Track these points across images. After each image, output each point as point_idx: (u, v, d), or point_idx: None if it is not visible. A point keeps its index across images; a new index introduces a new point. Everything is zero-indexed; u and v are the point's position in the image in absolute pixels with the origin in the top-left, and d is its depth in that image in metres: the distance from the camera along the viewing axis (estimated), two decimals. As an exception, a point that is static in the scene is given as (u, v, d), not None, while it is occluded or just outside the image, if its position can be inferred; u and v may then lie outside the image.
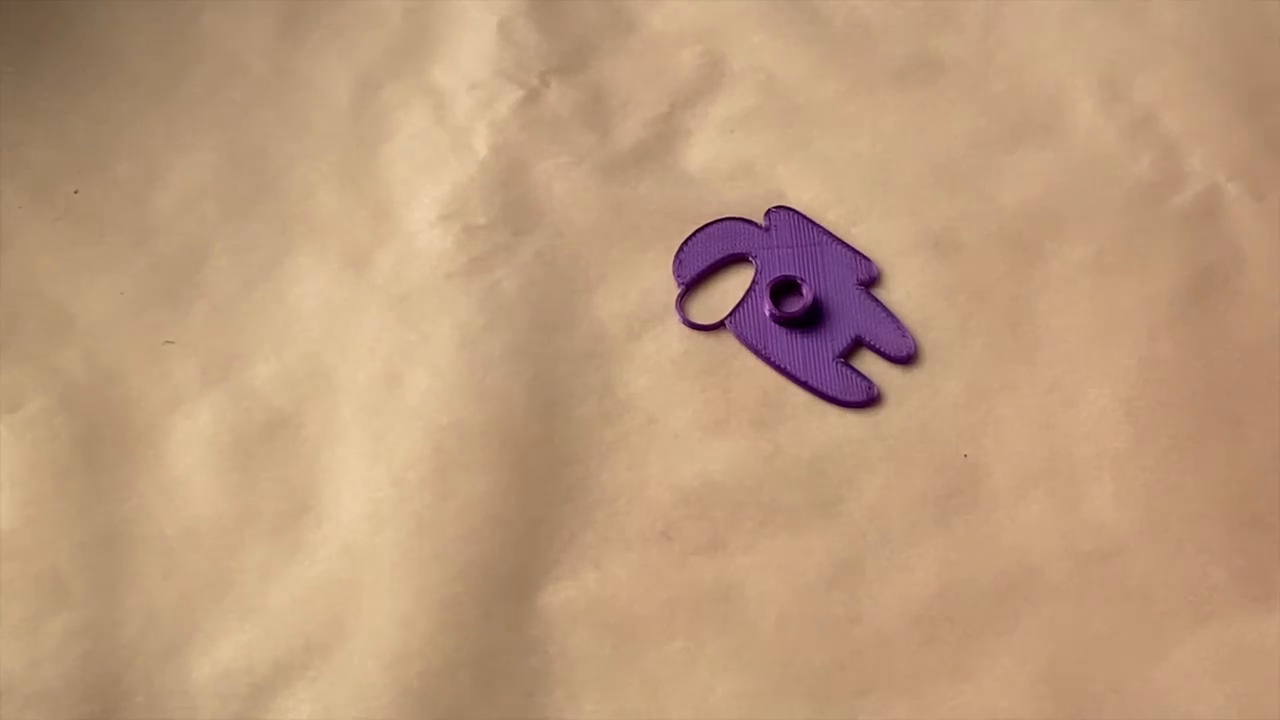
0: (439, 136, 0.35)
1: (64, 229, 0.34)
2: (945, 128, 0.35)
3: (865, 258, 0.31)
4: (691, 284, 0.31)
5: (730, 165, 0.35)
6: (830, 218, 0.34)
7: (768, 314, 0.31)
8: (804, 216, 0.32)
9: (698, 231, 0.32)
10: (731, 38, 0.37)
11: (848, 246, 0.31)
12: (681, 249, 0.31)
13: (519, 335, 0.32)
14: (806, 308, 0.31)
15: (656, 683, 0.29)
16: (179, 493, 0.31)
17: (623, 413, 0.32)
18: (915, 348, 0.31)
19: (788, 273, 0.31)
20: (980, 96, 0.36)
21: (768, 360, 0.30)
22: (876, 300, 0.31)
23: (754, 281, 0.31)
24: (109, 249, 0.34)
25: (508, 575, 0.30)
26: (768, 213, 0.32)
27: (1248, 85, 0.35)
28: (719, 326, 0.31)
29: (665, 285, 0.33)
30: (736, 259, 0.32)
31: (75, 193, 0.35)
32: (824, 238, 0.32)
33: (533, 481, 0.31)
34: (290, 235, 0.34)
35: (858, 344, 0.31)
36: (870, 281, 0.31)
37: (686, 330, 0.32)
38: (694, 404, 0.32)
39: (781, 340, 0.30)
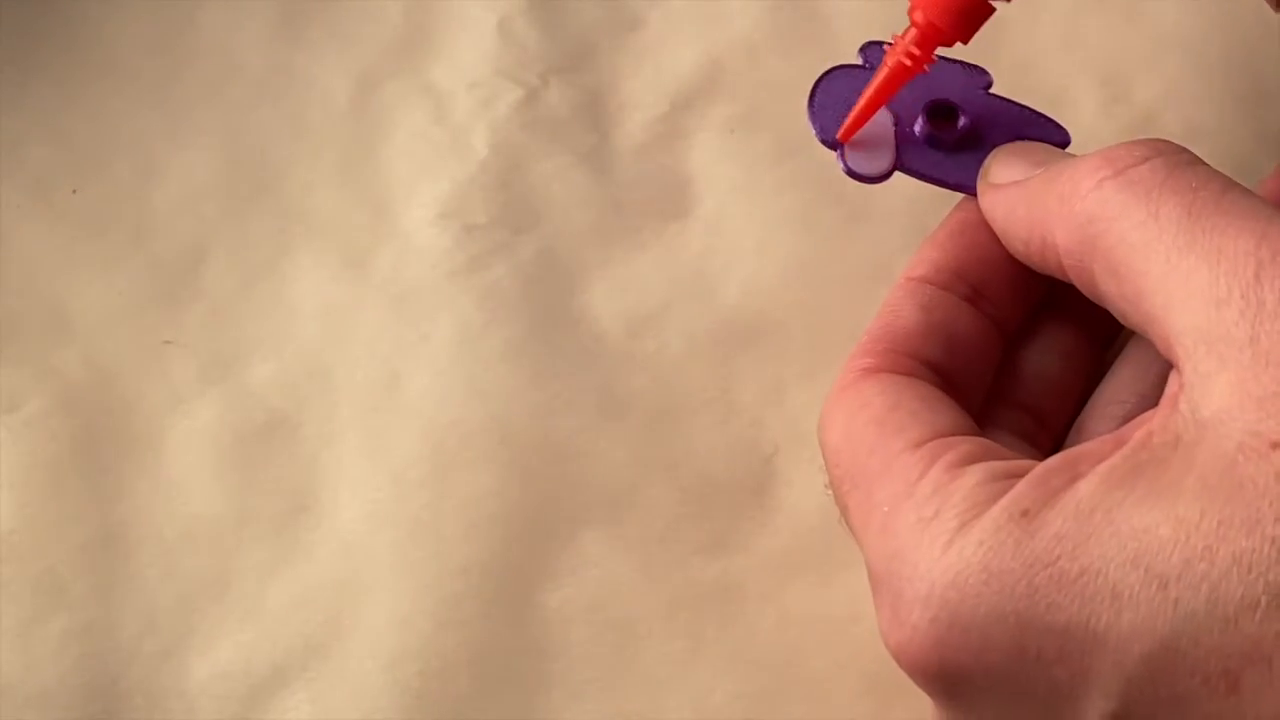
0: (438, 135, 0.35)
1: (62, 228, 0.34)
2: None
3: (977, 67, 0.29)
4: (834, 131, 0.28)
5: (731, 166, 0.35)
6: (830, 217, 0.34)
7: (928, 141, 0.28)
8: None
9: (817, 87, 0.29)
10: (732, 38, 0.37)
11: (955, 61, 0.29)
12: (813, 109, 0.29)
13: (519, 334, 0.32)
14: (968, 127, 0.28)
15: (656, 683, 0.29)
16: (177, 493, 0.31)
17: (622, 411, 0.32)
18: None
19: (929, 98, 0.29)
20: (980, 96, 0.36)
21: (953, 186, 0.28)
22: (1012, 100, 0.29)
23: (896, 120, 0.29)
24: (107, 248, 0.34)
25: (507, 574, 0.30)
26: (861, 50, 0.30)
27: (1248, 85, 0.35)
28: (890, 173, 0.28)
29: (665, 285, 0.33)
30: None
31: (73, 192, 0.35)
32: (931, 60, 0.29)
33: (532, 480, 0.31)
34: (289, 234, 0.34)
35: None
36: (989, 86, 0.29)
37: (686, 330, 0.32)
38: (694, 403, 0.32)
39: (955, 163, 0.28)
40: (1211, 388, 0.21)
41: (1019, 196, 0.26)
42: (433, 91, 0.36)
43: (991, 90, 0.29)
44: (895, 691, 0.28)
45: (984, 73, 0.29)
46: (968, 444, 0.23)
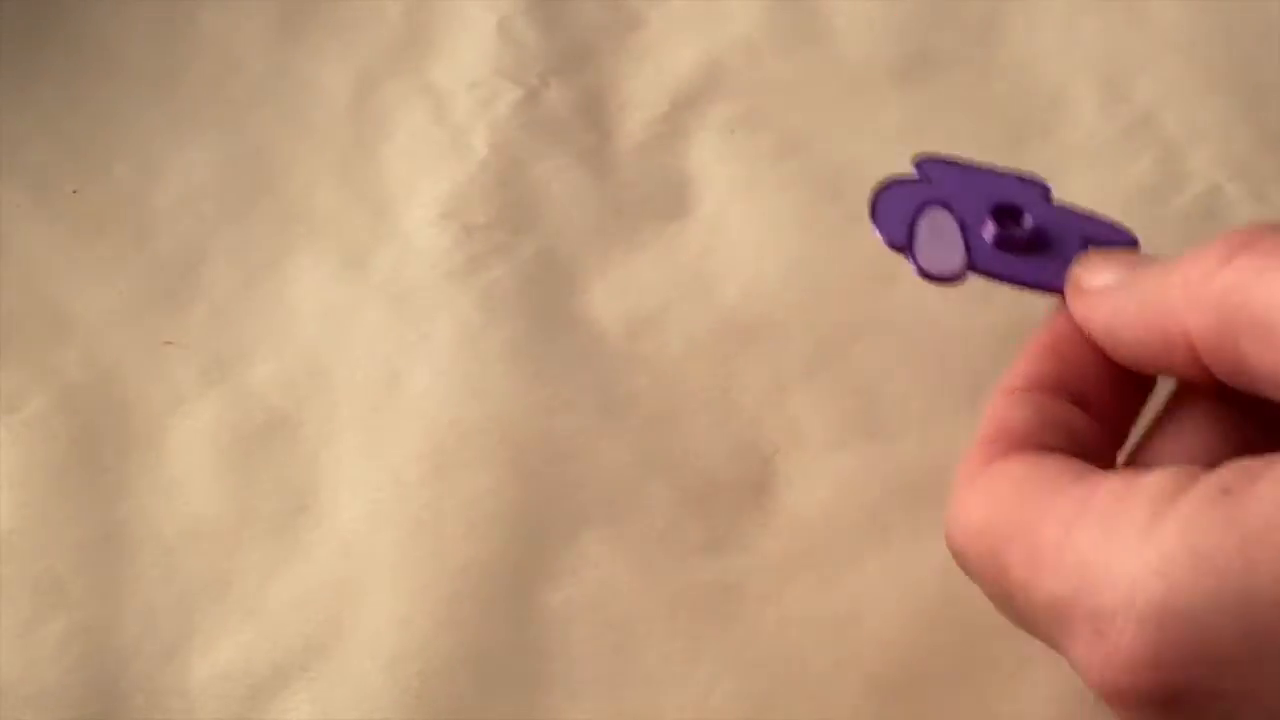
0: (438, 135, 0.35)
1: (62, 229, 0.34)
2: (945, 128, 0.35)
3: (1034, 177, 0.30)
4: (908, 241, 0.29)
5: (731, 165, 0.35)
6: (830, 217, 0.34)
7: (996, 243, 0.29)
8: (947, 160, 0.30)
9: (878, 197, 0.29)
10: (732, 38, 0.37)
11: (1011, 172, 0.30)
12: (876, 217, 0.29)
13: (518, 334, 0.32)
14: (1034, 228, 0.29)
15: (656, 683, 0.29)
16: (178, 493, 0.31)
17: (622, 411, 0.32)
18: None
19: (991, 203, 0.29)
20: (980, 97, 0.36)
21: (1028, 284, 0.28)
22: (1070, 206, 0.29)
23: (961, 224, 0.29)
24: (107, 248, 0.34)
25: (507, 574, 0.30)
26: (916, 165, 0.30)
27: (1249, 85, 0.35)
28: (964, 273, 0.28)
29: (665, 285, 0.33)
30: (925, 207, 0.29)
31: (74, 192, 0.35)
32: (984, 171, 0.30)
33: (532, 480, 0.31)
34: (289, 234, 0.34)
35: (1086, 246, 0.29)
36: (1048, 195, 0.29)
37: (686, 330, 0.32)
38: (694, 403, 0.32)
39: (1025, 264, 0.28)
40: None
41: (1126, 297, 0.25)
42: (433, 91, 0.36)
43: (1052, 197, 0.29)
44: (895, 691, 0.28)
45: (1042, 183, 0.30)
46: (1142, 470, 0.22)
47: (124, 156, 0.35)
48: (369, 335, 0.33)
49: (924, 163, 0.30)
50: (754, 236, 0.34)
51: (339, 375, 0.32)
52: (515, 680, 0.29)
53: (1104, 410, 0.26)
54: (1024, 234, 0.28)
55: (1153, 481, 0.20)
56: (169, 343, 0.33)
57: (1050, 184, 0.29)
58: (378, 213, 0.34)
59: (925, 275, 0.28)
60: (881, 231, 0.29)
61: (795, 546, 0.30)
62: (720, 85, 0.36)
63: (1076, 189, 0.34)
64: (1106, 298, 0.25)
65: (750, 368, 0.32)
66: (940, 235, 0.29)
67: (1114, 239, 0.29)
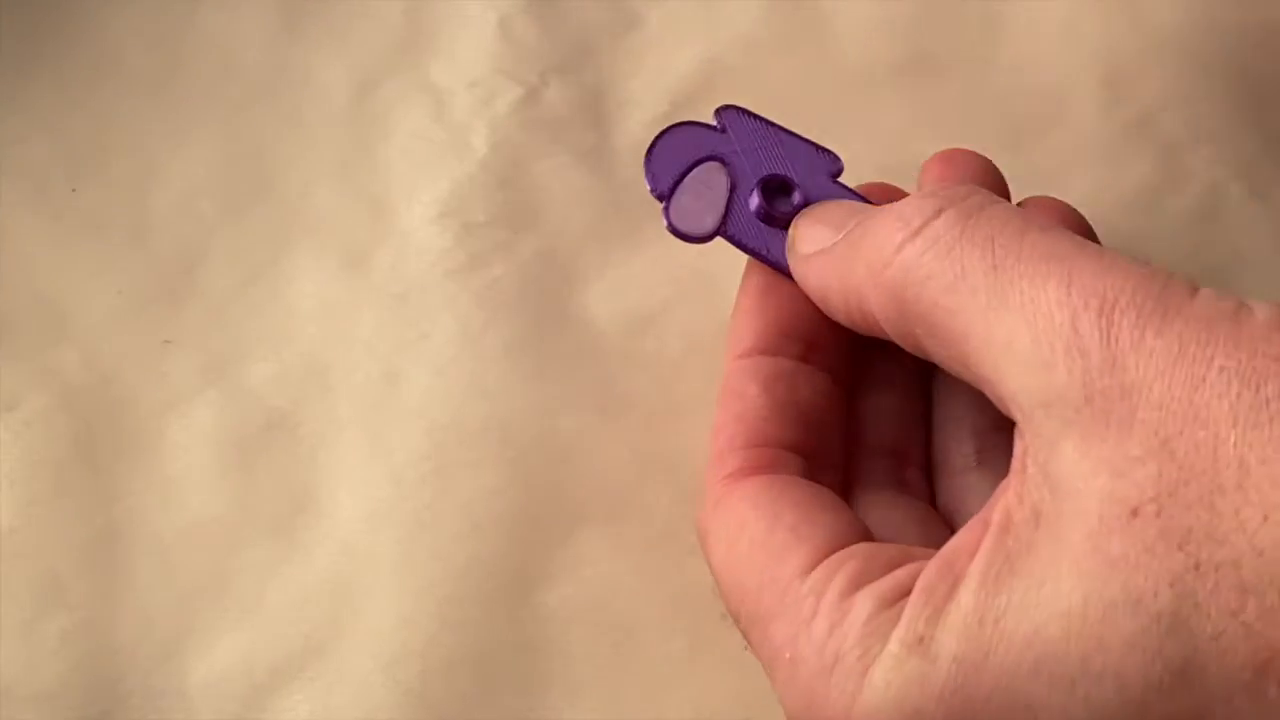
0: (438, 134, 0.35)
1: (61, 227, 0.34)
2: (945, 128, 0.35)
3: (829, 151, 0.29)
4: (670, 192, 0.28)
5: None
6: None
7: (758, 213, 0.28)
8: (755, 115, 0.30)
9: (658, 140, 0.29)
10: (732, 37, 0.37)
11: (808, 141, 0.29)
12: (649, 160, 0.29)
13: (518, 333, 0.32)
14: (800, 206, 0.28)
15: (656, 683, 0.29)
16: (176, 493, 0.31)
17: (621, 411, 0.31)
18: None
19: (768, 171, 0.29)
20: (980, 96, 0.36)
21: (771, 262, 0.28)
22: (854, 192, 0.29)
23: (732, 185, 0.29)
24: (106, 248, 0.34)
25: (507, 574, 0.29)
26: (717, 113, 0.29)
27: (1249, 85, 0.35)
28: (713, 236, 0.28)
29: (665, 284, 0.33)
30: (704, 161, 0.29)
31: (72, 191, 0.35)
32: (782, 135, 0.29)
33: (532, 479, 0.31)
34: (288, 233, 0.34)
35: None
36: (838, 173, 0.29)
37: (686, 330, 0.32)
38: (694, 403, 0.32)
39: (780, 241, 0.28)
40: (1057, 453, 0.20)
41: (829, 266, 0.26)
42: (432, 90, 0.36)
43: (840, 179, 0.29)
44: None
45: (836, 158, 0.29)
46: (852, 560, 0.23)
47: (123, 155, 0.35)
48: (368, 334, 0.33)
49: (725, 112, 0.29)
50: (754, 236, 0.34)
51: (338, 374, 0.32)
52: (515, 680, 0.29)
53: (829, 352, 0.27)
54: (788, 210, 0.28)
55: (859, 629, 0.22)
56: (168, 342, 0.33)
57: (842, 161, 0.29)
58: (377, 212, 0.34)
59: (673, 231, 0.28)
60: (649, 176, 0.29)
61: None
62: (720, 85, 0.36)
63: (1077, 189, 0.34)
64: (816, 265, 0.26)
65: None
66: (704, 193, 0.28)
67: None
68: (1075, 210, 0.28)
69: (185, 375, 0.32)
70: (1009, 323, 0.21)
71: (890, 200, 0.26)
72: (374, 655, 0.29)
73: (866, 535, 0.24)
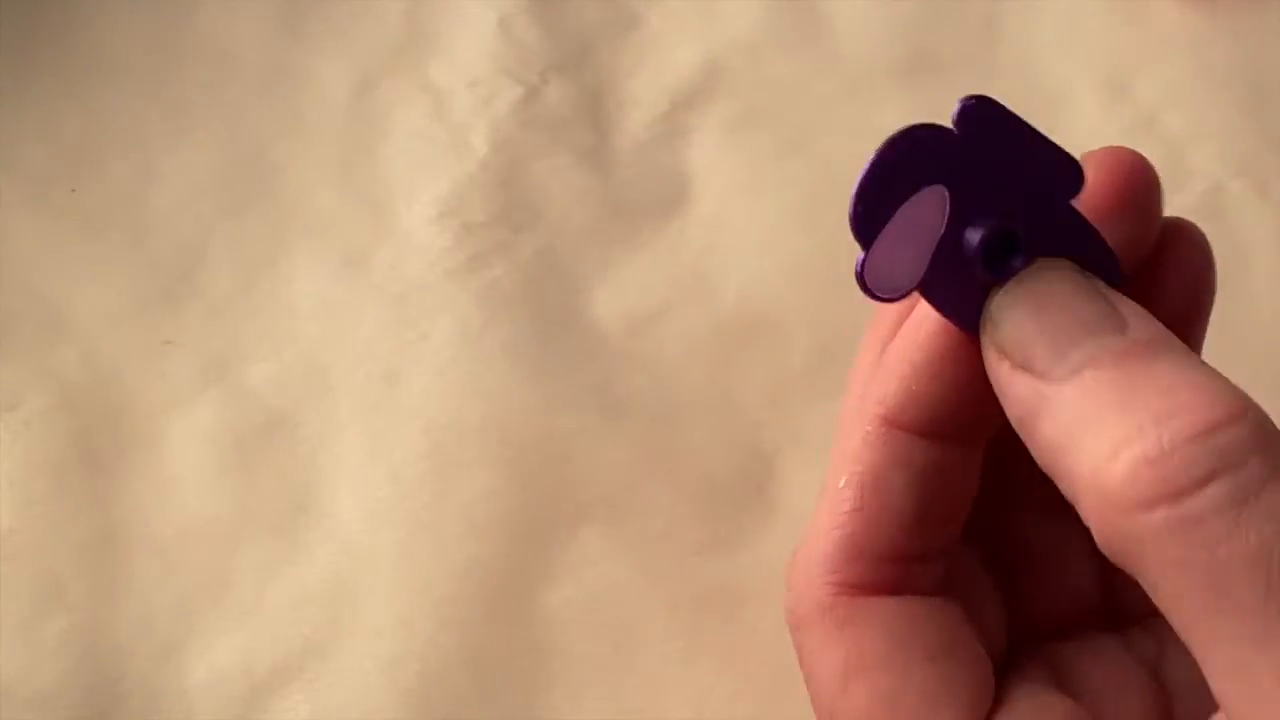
0: (438, 134, 0.35)
1: (60, 228, 0.34)
2: (945, 127, 0.35)
3: (1072, 162, 0.22)
4: (874, 237, 0.21)
5: (731, 165, 0.35)
6: (831, 217, 0.34)
7: (973, 254, 0.21)
8: (1006, 112, 0.22)
9: (879, 159, 0.21)
10: (732, 37, 0.37)
11: (1054, 148, 0.22)
12: (863, 193, 0.21)
13: (518, 333, 0.32)
14: (1021, 269, 0.21)
15: (656, 683, 0.29)
16: (176, 493, 0.31)
17: (622, 411, 0.31)
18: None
19: (991, 215, 0.21)
20: (980, 96, 0.36)
21: (969, 327, 0.21)
22: (1083, 221, 0.22)
23: (948, 224, 0.21)
24: (106, 247, 0.34)
25: (507, 574, 0.29)
26: (962, 109, 0.22)
27: (1250, 84, 0.35)
28: (908, 294, 0.21)
29: (665, 284, 0.33)
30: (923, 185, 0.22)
31: (72, 191, 0.35)
32: (1025, 144, 0.22)
33: (532, 479, 0.30)
34: (288, 233, 0.34)
35: None
36: (1075, 194, 0.22)
37: (686, 330, 0.32)
38: (694, 403, 0.32)
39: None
40: None
41: (1039, 406, 0.20)
42: (432, 89, 0.36)
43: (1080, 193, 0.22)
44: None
45: (1079, 173, 0.22)
46: None
47: (122, 155, 0.35)
48: (368, 334, 0.33)
49: (967, 108, 0.22)
50: (754, 236, 0.34)
51: (338, 374, 0.32)
52: (515, 680, 0.28)
53: (961, 429, 0.22)
54: (1003, 274, 0.21)
55: None
56: (168, 342, 0.33)
57: (1084, 177, 0.22)
58: (377, 211, 0.34)
59: (864, 289, 0.21)
60: (854, 216, 0.21)
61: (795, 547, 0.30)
62: (720, 85, 0.36)
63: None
64: (1018, 386, 0.20)
65: (750, 368, 0.32)
66: (910, 234, 0.21)
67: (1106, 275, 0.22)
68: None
69: (185, 375, 0.32)
70: (1262, 666, 0.17)
71: (1116, 170, 0.22)
72: (374, 656, 0.29)
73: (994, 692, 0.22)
